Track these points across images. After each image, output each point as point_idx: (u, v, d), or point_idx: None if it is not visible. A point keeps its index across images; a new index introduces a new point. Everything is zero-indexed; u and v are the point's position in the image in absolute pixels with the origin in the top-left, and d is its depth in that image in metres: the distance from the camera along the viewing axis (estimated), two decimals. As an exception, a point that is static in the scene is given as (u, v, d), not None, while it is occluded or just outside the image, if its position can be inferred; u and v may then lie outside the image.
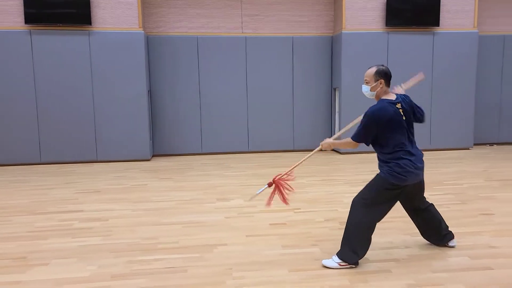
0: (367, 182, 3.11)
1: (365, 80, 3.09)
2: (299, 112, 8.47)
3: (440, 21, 7.91)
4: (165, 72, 8.05)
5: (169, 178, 6.23)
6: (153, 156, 8.08)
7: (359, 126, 3.02)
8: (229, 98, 8.26)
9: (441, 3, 7.86)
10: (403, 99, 3.07)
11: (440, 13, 7.87)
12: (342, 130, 3.51)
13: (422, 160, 3.05)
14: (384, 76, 3.02)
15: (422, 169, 3.02)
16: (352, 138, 3.06)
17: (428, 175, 5.99)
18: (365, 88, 3.09)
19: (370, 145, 3.09)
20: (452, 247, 3.35)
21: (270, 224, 4.05)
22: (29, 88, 7.22)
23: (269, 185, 3.29)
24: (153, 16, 7.97)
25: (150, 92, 7.97)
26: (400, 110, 2.96)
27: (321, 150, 3.31)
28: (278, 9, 8.26)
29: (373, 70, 3.05)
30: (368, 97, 3.13)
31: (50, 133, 7.36)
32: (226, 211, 4.52)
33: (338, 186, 5.59)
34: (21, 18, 7.08)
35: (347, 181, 5.85)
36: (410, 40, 7.96)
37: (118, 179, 6.16)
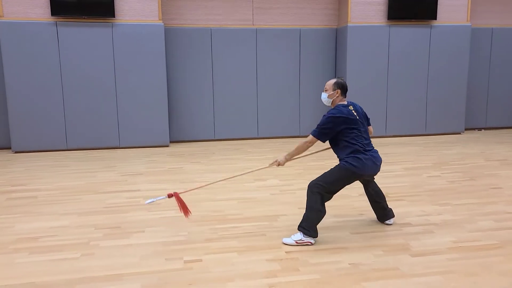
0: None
1: (325, 88, 3.55)
2: (305, 100, 9.06)
3: (437, 15, 8.63)
4: (180, 62, 8.44)
5: (198, 162, 6.71)
6: (170, 142, 8.51)
7: (318, 126, 3.43)
8: (240, 87, 8.75)
9: (438, -2, 8.59)
10: (354, 104, 3.62)
11: (438, 7, 8.58)
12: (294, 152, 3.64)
13: (379, 156, 3.54)
14: (341, 87, 3.51)
15: (380, 163, 3.52)
16: (312, 133, 3.46)
17: (434, 157, 6.74)
18: (324, 96, 3.54)
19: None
20: (390, 224, 3.79)
21: (314, 198, 4.64)
22: (55, 78, 7.50)
23: (169, 196, 3.42)
24: (170, 8, 8.33)
25: (167, 81, 8.36)
26: (353, 111, 3.51)
27: (278, 165, 3.58)
28: (287, 2, 8.77)
29: (332, 81, 3.53)
30: (326, 104, 3.58)
31: (75, 120, 7.68)
32: (268, 189, 5.08)
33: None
34: (47, 10, 7.32)
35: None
36: (410, 33, 8.65)
37: (151, 163, 6.60)
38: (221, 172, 5.97)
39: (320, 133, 3.45)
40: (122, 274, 2.89)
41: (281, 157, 3.60)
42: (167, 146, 8.13)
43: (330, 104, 3.57)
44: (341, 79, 3.57)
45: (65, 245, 3.37)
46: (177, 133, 8.60)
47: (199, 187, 3.88)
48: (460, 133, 9.13)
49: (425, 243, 3.37)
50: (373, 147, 3.56)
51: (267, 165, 3.74)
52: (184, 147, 8.05)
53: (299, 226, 3.43)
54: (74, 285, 2.75)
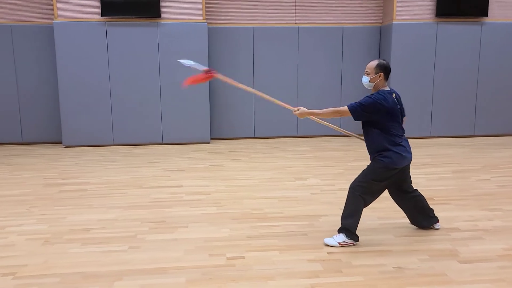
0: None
1: (366, 71, 3.30)
2: (347, 98, 8.91)
3: (489, 12, 8.24)
4: (222, 60, 8.54)
5: (238, 159, 6.78)
6: (211, 139, 8.64)
7: (360, 103, 3.21)
8: (281, 85, 8.73)
9: (490, -6, 8.19)
10: (396, 92, 3.40)
11: (489, 3, 8.19)
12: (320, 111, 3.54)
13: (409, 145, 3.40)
14: (384, 70, 3.27)
15: (411, 153, 3.36)
16: (349, 106, 3.25)
17: (483, 159, 6.47)
18: (365, 79, 3.31)
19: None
20: (437, 229, 3.64)
21: (356, 199, 4.58)
22: (104, 75, 7.81)
23: (206, 71, 3.37)
24: (213, 8, 8.44)
25: (210, 80, 8.49)
26: (396, 100, 3.34)
27: (297, 113, 3.54)
28: (329, 0, 8.66)
29: (374, 63, 3.28)
30: (367, 87, 3.36)
31: (122, 116, 7.96)
32: (309, 189, 5.05)
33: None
34: (98, 10, 7.62)
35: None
36: (459, 30, 8.31)
37: (193, 160, 6.74)
38: (262, 170, 6.00)
39: (358, 111, 3.21)
40: (167, 268, 2.98)
41: (304, 109, 3.53)
42: (208, 143, 8.26)
43: (371, 88, 3.34)
44: (384, 61, 3.32)
45: (113, 238, 3.52)
46: (218, 130, 8.72)
47: (237, 84, 3.97)
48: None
49: (474, 250, 3.24)
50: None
51: (289, 106, 3.69)
52: (224, 144, 8.15)
53: (341, 228, 3.38)
54: (122, 277, 2.86)
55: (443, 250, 3.24)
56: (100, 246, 3.35)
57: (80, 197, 4.70)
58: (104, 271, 2.93)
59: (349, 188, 3.39)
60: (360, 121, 3.38)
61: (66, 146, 7.88)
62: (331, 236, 3.42)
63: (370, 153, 3.41)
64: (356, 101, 3.27)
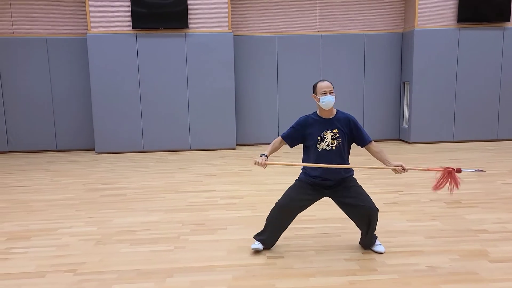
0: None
1: (331, 90, 3.25)
2: (369, 104, 9.08)
3: (511, 17, 8.31)
4: (248, 68, 8.81)
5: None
6: (237, 145, 8.89)
7: (364, 130, 3.39)
8: (304, 92, 8.92)
9: (512, 0, 8.26)
10: None
11: (511, 8, 8.26)
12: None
13: None
14: None
15: None
16: (369, 139, 3.39)
17: (509, 163, 6.55)
18: (333, 98, 3.25)
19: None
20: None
21: (385, 203, 4.74)
22: (134, 85, 8.15)
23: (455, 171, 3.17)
24: (239, 18, 8.73)
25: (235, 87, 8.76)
26: None
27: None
28: (351, 8, 8.85)
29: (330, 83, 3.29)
30: (331, 106, 3.28)
31: (151, 124, 8.29)
32: (337, 192, 5.22)
33: (424, 173, 6.18)
34: (128, 23, 7.98)
35: (431, 168, 6.45)
36: (481, 36, 8.40)
37: (221, 165, 6.99)
38: (289, 174, 6.17)
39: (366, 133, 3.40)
40: (213, 266, 3.21)
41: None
42: (234, 149, 8.51)
43: (331, 107, 3.31)
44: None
45: (159, 238, 3.77)
46: (243, 136, 8.97)
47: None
48: (535, 139, 8.70)
49: (504, 250, 3.38)
50: None
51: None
52: (250, 149, 8.38)
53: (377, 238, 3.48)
54: (172, 273, 3.10)
55: (473, 251, 3.39)
56: (148, 246, 3.61)
57: (121, 201, 4.99)
58: (155, 269, 3.17)
59: (375, 209, 3.29)
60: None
61: (99, 153, 8.22)
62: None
63: (344, 173, 3.38)
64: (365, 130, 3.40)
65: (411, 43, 8.50)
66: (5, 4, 8.17)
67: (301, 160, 3.53)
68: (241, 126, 8.93)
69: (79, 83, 8.42)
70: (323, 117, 3.36)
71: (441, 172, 3.20)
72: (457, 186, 3.16)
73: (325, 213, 4.42)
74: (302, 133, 3.37)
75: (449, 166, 3.22)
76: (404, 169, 3.27)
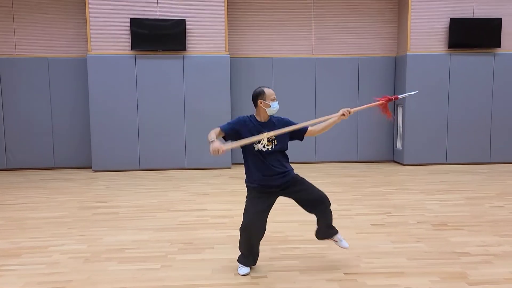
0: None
1: (275, 98, 3.46)
2: (364, 126, 9.22)
3: (501, 43, 8.52)
4: (244, 90, 8.98)
5: (259, 184, 7.08)
6: (232, 164, 9.00)
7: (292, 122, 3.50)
8: (299, 114, 9.07)
9: (502, 26, 8.46)
10: None
11: (502, 34, 8.47)
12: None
13: None
14: None
15: None
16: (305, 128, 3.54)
17: (498, 186, 6.63)
18: (278, 105, 3.46)
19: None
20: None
21: (372, 225, 4.82)
22: (132, 105, 8.33)
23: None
24: (235, 40, 8.96)
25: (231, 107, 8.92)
26: None
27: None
28: (346, 33, 9.09)
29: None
30: (275, 113, 3.49)
31: (148, 142, 8.43)
32: (327, 213, 5.30)
33: (415, 194, 6.29)
34: (128, 44, 8.20)
35: (422, 190, 6.54)
36: (472, 61, 8.59)
37: (216, 184, 7.09)
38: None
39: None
40: (198, 285, 3.28)
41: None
42: (229, 168, 8.62)
43: (274, 113, 3.49)
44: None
45: (147, 257, 3.84)
46: (239, 156, 9.06)
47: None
48: (527, 162, 8.79)
49: (483, 273, 3.45)
50: None
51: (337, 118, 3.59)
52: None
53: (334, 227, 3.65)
54: (157, 292, 3.18)
55: (453, 273, 3.46)
56: (136, 264, 3.68)
57: (113, 219, 5.07)
58: (140, 287, 3.25)
59: (324, 195, 3.53)
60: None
61: (95, 171, 8.34)
62: (342, 259, 3.64)
63: (287, 168, 3.52)
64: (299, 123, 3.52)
65: (404, 67, 8.69)
66: (9, 26, 8.42)
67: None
68: (237, 146, 9.03)
69: (79, 102, 8.60)
70: (261, 120, 3.51)
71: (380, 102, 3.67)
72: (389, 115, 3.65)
73: (313, 233, 4.50)
74: (239, 131, 3.46)
75: (386, 96, 3.66)
76: (349, 112, 3.55)
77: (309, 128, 3.60)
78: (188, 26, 8.25)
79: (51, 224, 4.88)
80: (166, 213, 5.30)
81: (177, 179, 7.62)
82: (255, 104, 3.52)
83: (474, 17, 8.47)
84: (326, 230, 3.66)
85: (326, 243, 4.16)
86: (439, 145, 8.79)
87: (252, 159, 3.47)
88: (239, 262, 3.54)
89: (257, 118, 3.53)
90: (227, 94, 8.50)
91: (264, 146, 3.42)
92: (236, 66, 8.90)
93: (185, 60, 8.36)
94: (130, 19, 8.09)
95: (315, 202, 3.53)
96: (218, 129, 3.50)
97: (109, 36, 8.20)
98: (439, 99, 8.68)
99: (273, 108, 3.45)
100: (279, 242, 4.23)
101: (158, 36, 8.13)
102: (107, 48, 8.23)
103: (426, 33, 8.56)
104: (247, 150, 3.48)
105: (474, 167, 8.45)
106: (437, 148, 8.79)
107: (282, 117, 3.61)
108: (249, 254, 3.52)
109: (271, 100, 3.45)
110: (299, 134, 3.61)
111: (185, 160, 8.56)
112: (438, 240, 4.26)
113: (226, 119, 8.49)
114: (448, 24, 8.48)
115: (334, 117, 3.56)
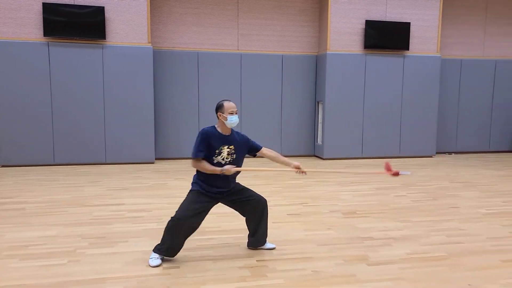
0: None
1: (236, 111, 3.50)
2: (287, 122, 9.51)
3: (410, 46, 9.24)
4: (168, 82, 8.84)
5: (183, 178, 7.03)
6: (156, 159, 8.81)
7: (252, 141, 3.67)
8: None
9: (411, 30, 9.18)
10: None
11: (410, 38, 9.19)
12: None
13: None
14: None
15: None
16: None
17: (404, 177, 7.18)
18: (238, 118, 3.50)
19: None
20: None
21: (288, 214, 5.00)
22: (45, 95, 7.81)
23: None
24: (160, 32, 8.76)
25: (154, 101, 8.73)
26: None
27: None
28: (270, 30, 9.30)
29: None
30: (233, 126, 3.50)
31: (63, 136, 7.97)
32: (246, 205, 5.40)
33: (331, 186, 6.62)
34: (40, 30, 7.68)
35: (338, 182, 6.91)
36: (384, 62, 9.23)
37: (136, 179, 6.90)
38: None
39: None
40: (105, 278, 3.18)
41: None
42: (153, 163, 8.44)
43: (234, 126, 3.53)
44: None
45: (53, 253, 3.65)
46: (163, 150, 8.92)
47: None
48: (431, 156, 9.63)
49: (382, 255, 3.74)
50: None
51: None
52: (168, 164, 8.36)
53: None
54: (62, 287, 3.03)
55: (356, 256, 3.71)
56: (39, 260, 3.48)
57: (19, 215, 4.74)
58: (44, 283, 3.08)
59: (264, 200, 3.75)
60: None
61: (3, 166, 7.72)
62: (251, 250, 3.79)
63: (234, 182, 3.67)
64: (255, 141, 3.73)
65: (324, 65, 9.09)
66: None
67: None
68: (161, 140, 8.89)
69: (-16, 91, 7.89)
70: (223, 133, 3.55)
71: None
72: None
73: (230, 224, 4.58)
74: (209, 143, 3.47)
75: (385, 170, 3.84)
76: (302, 171, 3.59)
77: (264, 150, 3.72)
78: (108, 14, 7.91)
79: None
80: (79, 208, 5.07)
81: (96, 174, 7.30)
82: (217, 116, 3.55)
83: (387, 20, 9.09)
84: (259, 239, 3.78)
85: (243, 233, 4.25)
86: (355, 140, 9.32)
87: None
88: (155, 252, 3.49)
89: (218, 129, 3.54)
90: (150, 86, 8.30)
91: (223, 159, 3.49)
92: (159, 58, 8.72)
93: (104, 50, 8.01)
94: (43, 3, 7.57)
95: (254, 210, 3.71)
96: (203, 161, 3.47)
97: (17, 21, 7.60)
98: (356, 97, 9.20)
99: (230, 121, 3.47)
100: (196, 233, 4.20)
101: (75, 23, 7.70)
102: (15, 33, 7.63)
103: (345, 34, 9.03)
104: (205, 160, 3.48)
105: (386, 160, 9.06)
106: (353, 143, 9.32)
107: (243, 134, 3.71)
108: (170, 245, 3.47)
109: (229, 113, 3.48)
110: (254, 149, 3.73)
111: (105, 154, 8.22)
112: (347, 227, 4.53)
113: (149, 112, 8.32)
114: (364, 26, 9.01)
115: (289, 164, 3.64)
